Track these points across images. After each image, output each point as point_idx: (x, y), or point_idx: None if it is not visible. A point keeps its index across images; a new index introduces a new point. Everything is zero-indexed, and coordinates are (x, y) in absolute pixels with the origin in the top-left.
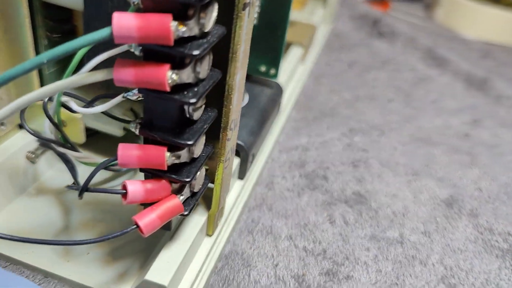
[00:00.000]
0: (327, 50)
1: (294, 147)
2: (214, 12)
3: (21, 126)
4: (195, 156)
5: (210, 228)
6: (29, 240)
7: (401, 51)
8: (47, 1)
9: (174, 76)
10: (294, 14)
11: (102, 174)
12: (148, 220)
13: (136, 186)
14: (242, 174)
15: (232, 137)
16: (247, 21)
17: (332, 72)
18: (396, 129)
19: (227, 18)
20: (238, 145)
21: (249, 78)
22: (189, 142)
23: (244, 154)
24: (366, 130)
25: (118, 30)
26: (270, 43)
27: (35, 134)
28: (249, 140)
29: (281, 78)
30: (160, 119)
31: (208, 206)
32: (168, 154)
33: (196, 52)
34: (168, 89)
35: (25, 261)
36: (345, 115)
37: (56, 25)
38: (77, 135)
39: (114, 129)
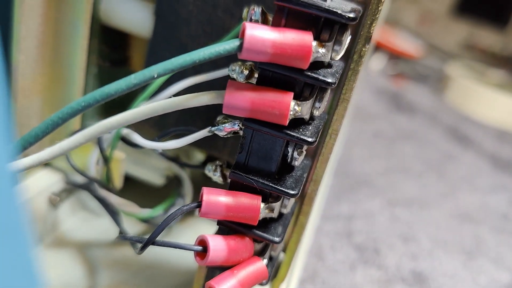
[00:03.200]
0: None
1: (336, 215)
2: (348, 38)
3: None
4: (286, 211)
5: None
6: None
7: (421, 127)
8: (109, 24)
9: (297, 108)
10: None
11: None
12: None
13: (219, 243)
14: None
15: (319, 193)
16: (366, 60)
17: (359, 141)
18: (435, 204)
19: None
20: None
21: None
22: (293, 192)
23: None
24: (405, 203)
25: (251, 42)
26: None
27: (79, 171)
28: None
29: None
30: (259, 161)
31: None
32: (262, 205)
33: (331, 80)
34: (287, 122)
35: None
36: (380, 186)
37: (110, 52)
38: (115, 180)
39: (155, 176)
